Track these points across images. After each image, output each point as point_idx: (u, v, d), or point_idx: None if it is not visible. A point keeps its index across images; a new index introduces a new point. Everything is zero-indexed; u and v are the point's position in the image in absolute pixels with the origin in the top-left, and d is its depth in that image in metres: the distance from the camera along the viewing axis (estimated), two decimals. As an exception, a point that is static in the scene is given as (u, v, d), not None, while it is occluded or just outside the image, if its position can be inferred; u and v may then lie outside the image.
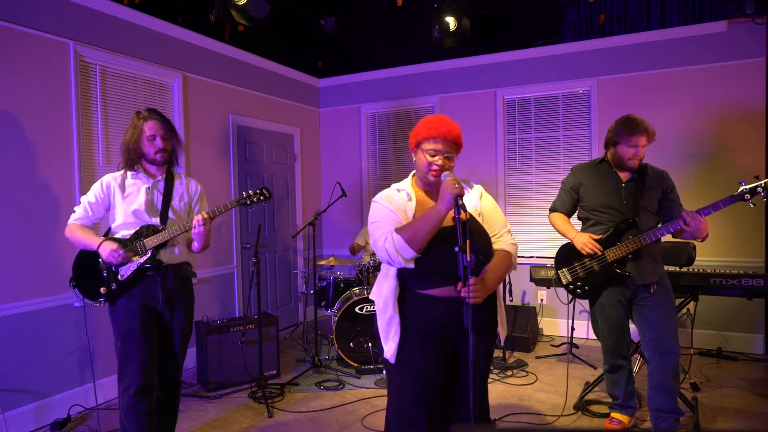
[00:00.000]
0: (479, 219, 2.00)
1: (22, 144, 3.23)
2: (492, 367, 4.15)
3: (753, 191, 2.56)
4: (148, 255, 2.44)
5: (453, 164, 1.99)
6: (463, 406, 1.98)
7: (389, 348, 1.96)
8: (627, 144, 2.77)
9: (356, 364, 4.10)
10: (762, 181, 2.55)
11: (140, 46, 3.98)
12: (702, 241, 2.64)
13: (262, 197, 2.63)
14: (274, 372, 4.05)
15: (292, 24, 5.41)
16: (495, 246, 2.01)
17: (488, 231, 2.00)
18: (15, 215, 3.19)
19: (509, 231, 2.08)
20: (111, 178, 2.52)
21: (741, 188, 2.59)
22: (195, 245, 2.58)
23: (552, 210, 3.13)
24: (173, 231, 2.45)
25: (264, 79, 5.34)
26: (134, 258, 2.43)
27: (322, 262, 4.78)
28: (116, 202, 2.49)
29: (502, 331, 2.07)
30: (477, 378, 1.95)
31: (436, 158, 1.95)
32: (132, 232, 2.46)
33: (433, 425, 1.92)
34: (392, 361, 1.96)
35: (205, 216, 2.43)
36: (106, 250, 2.37)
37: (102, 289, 2.43)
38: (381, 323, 2.00)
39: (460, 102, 5.47)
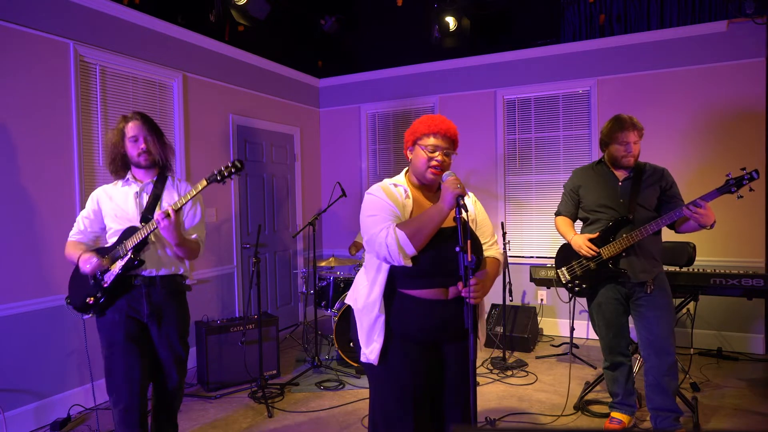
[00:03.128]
0: (473, 225, 1.99)
1: (23, 144, 3.23)
2: (492, 368, 4.16)
3: (739, 183, 2.55)
4: (129, 255, 2.34)
5: (450, 162, 1.97)
6: (451, 411, 1.96)
7: (372, 349, 1.90)
8: (617, 142, 2.83)
9: (356, 364, 4.10)
10: (746, 172, 2.53)
11: (140, 46, 3.98)
12: (711, 227, 2.62)
13: (233, 169, 2.34)
14: (274, 372, 4.05)
15: (292, 24, 5.41)
16: (486, 254, 2.02)
17: (480, 239, 2.00)
18: (15, 215, 3.19)
19: (496, 240, 2.10)
20: (101, 190, 2.50)
21: (727, 180, 2.58)
22: (174, 247, 2.41)
23: (557, 214, 3.17)
24: (148, 227, 2.32)
25: (264, 79, 5.34)
26: (113, 266, 2.35)
27: (323, 263, 4.78)
28: (107, 214, 2.45)
29: (481, 338, 2.08)
30: (464, 381, 1.94)
31: (436, 154, 1.92)
32: (116, 238, 2.42)
33: (421, 428, 1.89)
34: (375, 363, 1.90)
35: (167, 210, 2.26)
36: (83, 259, 2.32)
37: (89, 299, 2.34)
38: (363, 324, 1.93)
39: (460, 102, 5.47)
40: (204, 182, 2.34)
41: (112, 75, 3.80)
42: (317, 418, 3.35)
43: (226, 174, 2.34)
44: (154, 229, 2.31)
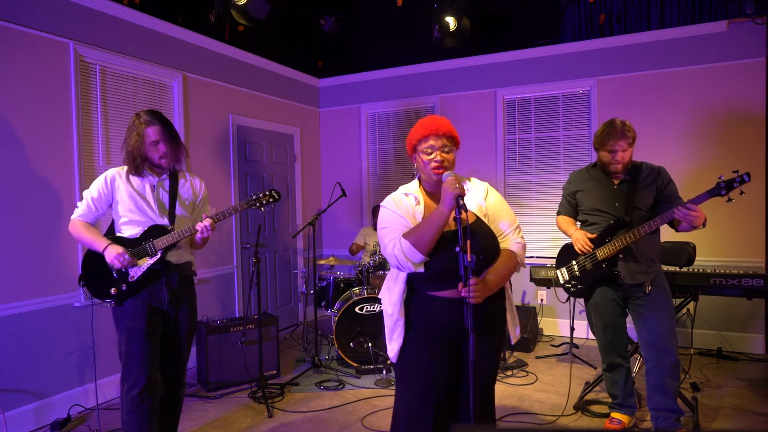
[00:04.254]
0: (485, 219, 1.97)
1: (23, 144, 3.23)
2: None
3: (729, 185, 2.53)
4: (158, 256, 2.43)
5: (452, 157, 1.97)
6: (465, 408, 1.97)
7: (392, 348, 1.99)
8: (605, 149, 2.82)
9: (356, 364, 4.10)
10: (738, 175, 2.52)
11: (140, 46, 3.98)
12: (703, 227, 2.62)
13: (271, 199, 2.62)
14: (274, 372, 4.05)
15: (292, 24, 5.41)
16: (501, 246, 1.97)
17: (494, 231, 1.96)
18: (15, 215, 3.19)
19: (517, 229, 2.02)
20: (116, 173, 2.48)
21: (718, 182, 2.57)
22: (198, 243, 2.60)
23: (558, 214, 3.19)
24: (182, 232, 2.44)
25: (264, 79, 5.34)
26: (141, 261, 2.41)
27: (322, 262, 4.78)
28: (121, 198, 2.45)
29: (512, 331, 2.04)
30: (478, 380, 1.93)
31: (433, 155, 1.94)
32: (138, 230, 2.45)
33: (440, 424, 1.93)
34: (394, 360, 2.00)
35: (212, 221, 2.44)
36: (111, 254, 2.34)
37: (112, 290, 2.40)
38: (387, 324, 2.03)
39: (460, 102, 5.47)
40: (244, 204, 2.59)
41: (112, 75, 3.80)
42: (317, 418, 3.35)
43: (264, 202, 2.61)
44: (188, 235, 2.45)
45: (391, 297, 1.99)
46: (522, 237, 2.03)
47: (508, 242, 1.98)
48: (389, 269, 2.12)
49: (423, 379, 1.94)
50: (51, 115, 3.38)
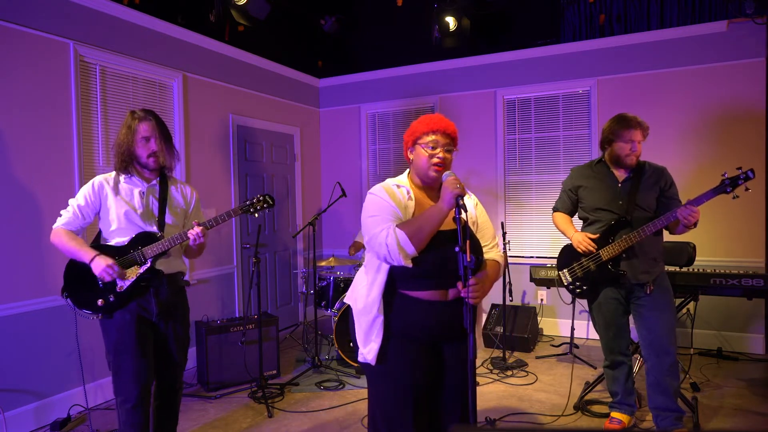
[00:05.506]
0: (473, 228, 1.99)
1: (23, 144, 3.23)
2: (492, 368, 4.16)
3: (734, 183, 2.54)
4: (149, 265, 2.35)
5: (452, 158, 1.97)
6: (449, 412, 1.96)
7: (370, 350, 1.91)
8: (622, 140, 2.81)
9: (356, 364, 4.10)
10: (742, 171, 2.52)
11: (140, 46, 3.98)
12: (694, 227, 2.63)
13: (265, 204, 2.54)
14: (274, 372, 4.05)
15: (292, 24, 5.41)
16: (486, 256, 2.00)
17: (480, 241, 2.00)
18: (15, 215, 3.19)
19: (497, 243, 2.10)
20: (103, 180, 2.41)
21: (722, 180, 2.57)
22: (193, 251, 2.54)
23: (554, 210, 3.17)
24: (173, 240, 2.36)
25: (264, 79, 5.34)
26: (130, 271, 2.33)
27: (323, 263, 4.78)
28: (109, 206, 2.37)
29: (478, 339, 2.05)
30: (457, 386, 1.94)
31: (437, 150, 1.92)
32: (127, 239, 2.37)
33: (420, 427, 1.90)
34: (373, 363, 1.91)
35: (203, 228, 2.36)
36: (100, 265, 2.25)
37: (99, 301, 2.31)
38: (362, 324, 1.94)
39: (460, 102, 5.47)
40: (238, 210, 2.51)
41: (112, 75, 3.80)
42: (317, 418, 3.35)
43: (258, 207, 2.53)
44: (179, 242, 2.38)
45: (370, 293, 1.90)
46: (500, 249, 2.13)
47: (493, 252, 2.04)
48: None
49: (401, 381, 1.88)
50: (51, 115, 3.38)
